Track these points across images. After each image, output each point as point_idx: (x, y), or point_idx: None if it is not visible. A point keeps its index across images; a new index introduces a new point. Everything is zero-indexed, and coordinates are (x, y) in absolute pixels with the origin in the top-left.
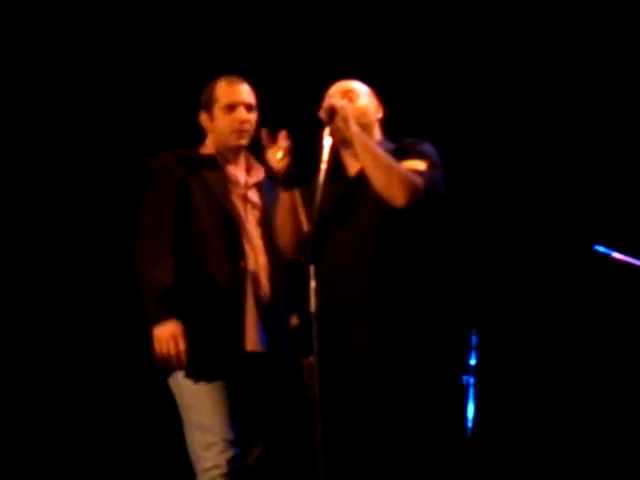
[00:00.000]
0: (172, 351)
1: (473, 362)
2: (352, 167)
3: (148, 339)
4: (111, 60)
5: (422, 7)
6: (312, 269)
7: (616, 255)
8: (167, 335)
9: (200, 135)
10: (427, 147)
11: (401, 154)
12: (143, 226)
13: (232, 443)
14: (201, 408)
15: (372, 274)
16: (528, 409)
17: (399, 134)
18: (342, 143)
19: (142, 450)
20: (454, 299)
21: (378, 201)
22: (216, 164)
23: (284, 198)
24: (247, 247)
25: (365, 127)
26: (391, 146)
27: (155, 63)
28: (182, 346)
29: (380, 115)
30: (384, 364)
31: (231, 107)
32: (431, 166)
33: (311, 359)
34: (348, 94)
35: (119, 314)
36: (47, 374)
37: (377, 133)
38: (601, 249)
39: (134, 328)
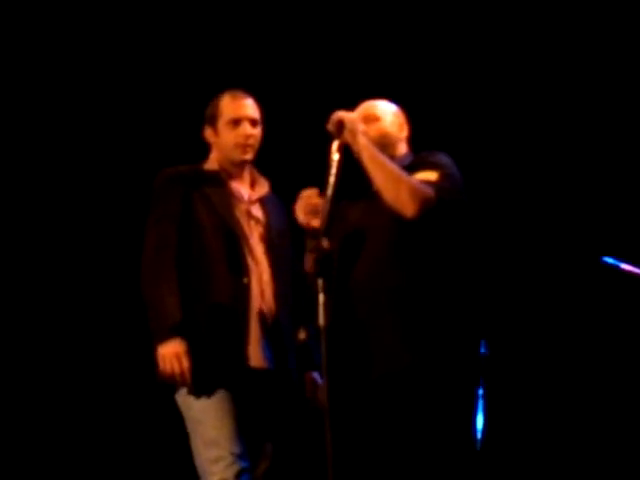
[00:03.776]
0: (176, 370)
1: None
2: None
3: (154, 355)
4: (116, 75)
5: (434, 22)
6: (320, 282)
7: (625, 266)
8: (171, 354)
9: (204, 150)
10: (440, 157)
11: (415, 166)
12: (147, 246)
13: (239, 457)
14: (208, 423)
15: (388, 287)
16: (537, 421)
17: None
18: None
19: (150, 465)
20: (467, 310)
21: (392, 213)
22: (219, 180)
23: None
24: (251, 263)
25: (386, 147)
26: (409, 160)
27: (160, 78)
28: (186, 364)
29: (405, 134)
30: (400, 378)
31: (236, 122)
32: (443, 176)
33: (314, 374)
34: (368, 117)
35: (127, 327)
36: (56, 389)
37: (401, 151)
38: (610, 260)
39: (142, 342)
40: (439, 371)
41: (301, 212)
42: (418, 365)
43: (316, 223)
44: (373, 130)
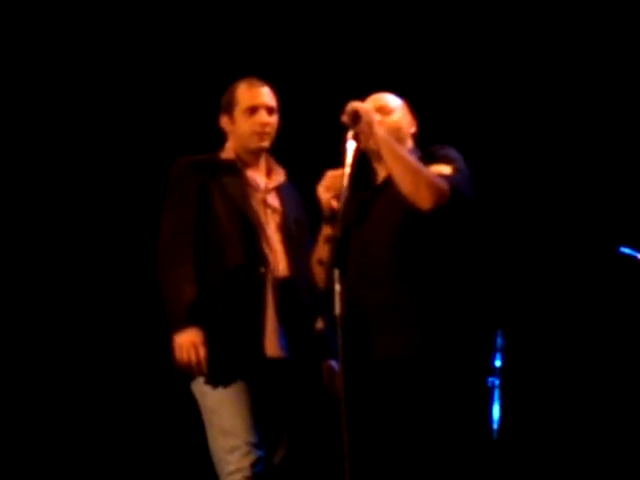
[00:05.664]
0: (193, 359)
1: (498, 364)
2: (379, 175)
3: (170, 344)
4: (131, 65)
5: (445, 19)
6: (337, 273)
7: None
8: (188, 343)
9: (221, 139)
10: (452, 152)
11: (426, 159)
12: (164, 233)
13: (255, 446)
14: (224, 412)
15: (398, 277)
16: (554, 411)
17: (425, 143)
18: (369, 152)
19: (166, 454)
20: (479, 301)
21: (403, 205)
22: (235, 169)
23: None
24: (267, 252)
25: (398, 141)
26: (418, 154)
27: (175, 67)
28: (202, 354)
29: (413, 129)
30: (410, 364)
31: (252, 110)
32: (456, 170)
33: (331, 362)
34: (382, 109)
35: (142, 318)
36: (70, 380)
37: (408, 145)
38: (627, 251)
39: (157, 332)
40: (446, 359)
41: (324, 191)
42: (424, 353)
43: (337, 204)
44: (387, 122)
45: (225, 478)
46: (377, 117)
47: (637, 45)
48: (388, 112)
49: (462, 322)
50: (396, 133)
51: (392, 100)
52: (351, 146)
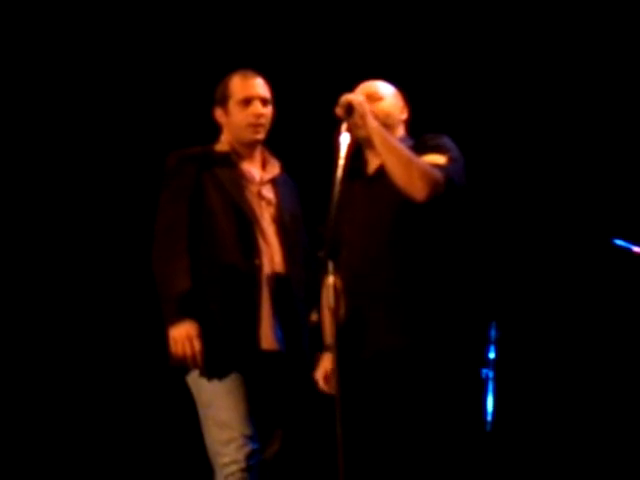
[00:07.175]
0: (188, 352)
1: (492, 356)
2: (371, 164)
3: (165, 337)
4: (126, 59)
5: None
6: (330, 265)
7: (636, 249)
8: (183, 336)
9: (215, 131)
10: (446, 141)
11: (420, 149)
12: (159, 226)
13: (250, 438)
14: (219, 405)
15: (391, 268)
16: (547, 403)
17: (419, 131)
18: (362, 140)
19: (161, 447)
20: (474, 292)
21: (397, 195)
22: (230, 161)
23: None
24: (262, 244)
25: (388, 128)
26: (410, 142)
27: (169, 60)
28: (197, 346)
29: (405, 116)
30: (403, 356)
31: (246, 101)
32: (450, 159)
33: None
34: (372, 96)
35: (137, 312)
36: (65, 374)
37: (400, 133)
38: (621, 243)
39: (151, 325)
40: (440, 350)
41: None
42: (418, 344)
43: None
44: (376, 109)
45: (220, 470)
46: (361, 97)
47: (634, 41)
48: (378, 99)
49: (456, 314)
50: (386, 120)
51: (382, 87)
52: (345, 138)
